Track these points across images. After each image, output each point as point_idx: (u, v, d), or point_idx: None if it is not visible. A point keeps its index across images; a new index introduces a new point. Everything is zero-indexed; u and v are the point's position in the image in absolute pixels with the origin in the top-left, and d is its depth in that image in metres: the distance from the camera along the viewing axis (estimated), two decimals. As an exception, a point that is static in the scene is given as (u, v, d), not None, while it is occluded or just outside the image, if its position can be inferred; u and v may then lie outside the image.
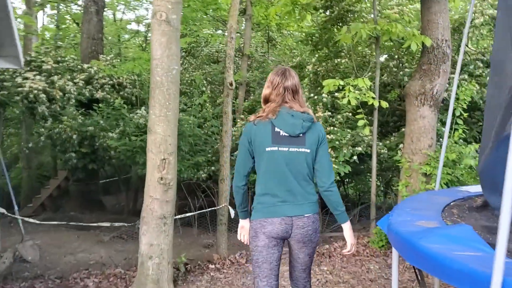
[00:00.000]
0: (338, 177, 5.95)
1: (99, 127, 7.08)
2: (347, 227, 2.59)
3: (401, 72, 6.78)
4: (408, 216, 2.49)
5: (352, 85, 5.40)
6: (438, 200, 3.05)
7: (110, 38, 14.27)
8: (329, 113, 6.23)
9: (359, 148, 6.00)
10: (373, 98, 5.55)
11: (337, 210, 2.53)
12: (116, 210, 10.26)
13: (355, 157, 6.00)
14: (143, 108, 7.00)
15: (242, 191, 2.60)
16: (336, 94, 6.26)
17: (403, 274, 4.57)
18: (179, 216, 4.75)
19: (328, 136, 5.99)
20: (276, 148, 2.44)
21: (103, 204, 10.29)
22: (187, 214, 4.76)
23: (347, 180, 8.28)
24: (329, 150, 5.91)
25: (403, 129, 6.47)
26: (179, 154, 6.39)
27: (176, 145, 3.88)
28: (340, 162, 5.89)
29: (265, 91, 2.59)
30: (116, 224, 4.64)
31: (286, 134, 2.45)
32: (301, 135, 2.46)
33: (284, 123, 2.45)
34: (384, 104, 5.49)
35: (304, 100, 2.71)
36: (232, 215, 4.80)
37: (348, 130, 6.14)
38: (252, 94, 8.98)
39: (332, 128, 6.11)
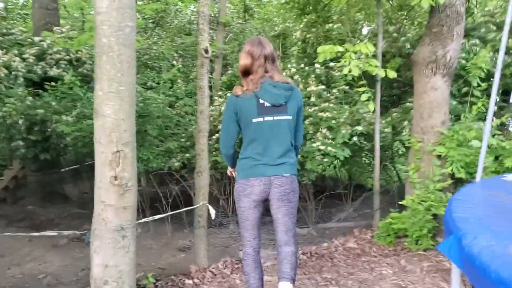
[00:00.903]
0: (335, 162, 5.06)
1: (51, 109, 5.97)
2: None
3: (402, 38, 5.85)
4: (488, 236, 1.60)
5: (353, 52, 4.46)
6: (506, 200, 2.19)
7: (70, 11, 12.92)
8: (323, 87, 5.28)
9: (360, 127, 5.10)
10: (376, 66, 4.63)
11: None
12: (81, 201, 9.19)
13: (355, 138, 5.10)
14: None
15: (232, 156, 2.96)
16: (331, 64, 5.31)
17: None
18: (144, 220, 3.78)
19: (322, 114, 5.07)
20: (261, 119, 2.66)
21: (66, 195, 9.21)
22: (156, 217, 3.79)
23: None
24: (324, 130, 5.00)
25: (407, 104, 5.58)
26: (146, 140, 5.40)
27: (135, 132, 2.89)
28: (338, 145, 4.99)
29: (245, 61, 2.74)
30: (66, 232, 3.65)
31: (269, 105, 2.66)
32: (283, 104, 2.68)
33: (268, 95, 2.65)
34: (391, 74, 4.56)
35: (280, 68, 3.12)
36: (213, 215, 3.86)
37: (346, 107, 5.22)
38: (230, 68, 7.96)
39: (327, 104, 5.17)
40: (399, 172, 7.71)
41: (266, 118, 2.65)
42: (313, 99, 5.18)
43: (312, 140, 5.12)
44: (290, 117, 2.71)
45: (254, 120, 2.65)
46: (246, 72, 2.74)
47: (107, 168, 2.78)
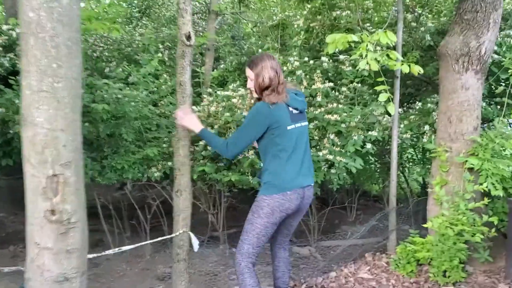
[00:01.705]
0: (346, 175, 4.25)
1: (15, 108, 5.10)
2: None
3: (422, 29, 5.05)
4: None
5: (370, 42, 3.65)
6: None
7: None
8: (331, 84, 4.46)
9: (374, 133, 4.29)
10: (397, 60, 3.82)
11: None
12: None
13: (369, 146, 4.29)
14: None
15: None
16: (341, 57, 4.49)
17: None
18: (110, 252, 2.97)
19: (330, 116, 4.26)
20: (294, 126, 2.78)
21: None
22: (126, 248, 2.98)
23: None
24: (332, 136, 4.20)
25: (429, 105, 4.78)
26: (121, 146, 4.57)
27: (80, 147, 2.07)
28: (349, 153, 4.18)
29: (270, 75, 2.73)
30: (6, 269, 2.83)
31: (297, 112, 2.83)
32: (303, 111, 2.92)
33: (295, 102, 2.82)
34: (416, 70, 3.75)
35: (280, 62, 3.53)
36: (196, 247, 3.06)
37: (358, 108, 4.41)
38: (222, 62, 7.13)
39: (335, 105, 4.36)
40: (410, 183, 6.91)
41: (296, 125, 2.79)
42: (318, 98, 4.37)
43: (317, 147, 4.31)
44: (307, 124, 2.97)
45: (289, 127, 2.75)
46: (267, 87, 2.74)
47: (40, 198, 1.96)
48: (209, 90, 5.46)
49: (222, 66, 6.88)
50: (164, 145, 4.70)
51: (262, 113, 2.70)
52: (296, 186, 2.76)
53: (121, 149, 4.55)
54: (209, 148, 4.31)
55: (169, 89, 5.37)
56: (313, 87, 4.42)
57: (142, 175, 4.55)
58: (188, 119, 2.98)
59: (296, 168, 2.76)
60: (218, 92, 4.61)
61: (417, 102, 5.20)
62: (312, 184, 2.93)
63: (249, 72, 2.80)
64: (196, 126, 2.94)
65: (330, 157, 4.13)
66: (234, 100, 4.30)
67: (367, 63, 3.62)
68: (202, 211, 4.86)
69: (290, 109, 2.76)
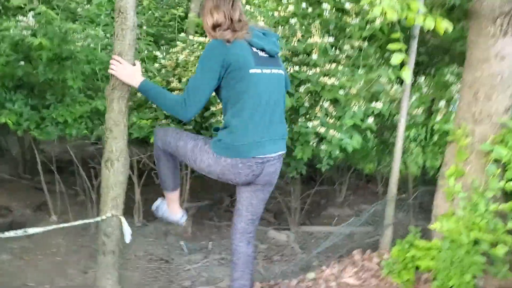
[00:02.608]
0: (339, 154, 3.43)
1: None
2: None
3: (447, -18, 4.10)
4: None
5: (387, -16, 2.75)
6: None
7: None
8: (331, 40, 3.57)
9: (379, 104, 3.45)
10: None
11: None
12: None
13: (370, 120, 3.46)
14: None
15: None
16: (347, 5, 3.58)
17: None
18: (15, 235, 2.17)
19: (326, 79, 3.41)
20: (260, 70, 2.21)
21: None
22: (32, 231, 2.17)
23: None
24: (327, 104, 3.37)
25: (448, 77, 3.92)
26: (66, 95, 3.70)
27: None
28: (344, 127, 3.36)
29: (216, 20, 2.24)
30: None
31: (264, 55, 2.28)
32: (277, 55, 2.36)
33: (262, 41, 2.25)
34: (443, 27, 2.85)
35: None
36: (128, 238, 2.26)
37: (361, 72, 3.54)
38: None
39: (334, 66, 3.49)
40: (408, 165, 6.11)
41: (264, 71, 2.24)
42: (314, 56, 3.49)
43: (307, 116, 3.48)
44: (283, 72, 2.42)
45: (251, 71, 2.19)
46: (218, 25, 2.24)
47: None
48: (194, 38, 4.56)
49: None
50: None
51: (216, 48, 2.16)
52: (259, 153, 2.23)
53: (66, 99, 3.69)
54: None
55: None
56: (309, 41, 3.53)
57: (91, 132, 3.71)
58: (123, 67, 2.21)
59: (261, 128, 2.22)
60: (191, 37, 3.71)
61: (432, 72, 4.35)
62: (284, 152, 2.42)
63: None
64: (134, 77, 2.22)
65: (322, 130, 3.30)
66: (208, 48, 3.41)
67: (383, 11, 2.74)
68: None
69: (254, 49, 2.23)
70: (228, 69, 2.15)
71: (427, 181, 5.16)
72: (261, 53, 2.26)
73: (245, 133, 2.19)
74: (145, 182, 4.23)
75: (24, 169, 5.80)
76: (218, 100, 3.05)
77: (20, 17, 3.51)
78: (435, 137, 4.43)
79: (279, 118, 2.35)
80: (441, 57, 4.70)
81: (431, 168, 5.23)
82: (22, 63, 3.39)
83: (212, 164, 2.24)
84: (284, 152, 2.43)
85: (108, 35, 4.05)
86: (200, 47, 3.63)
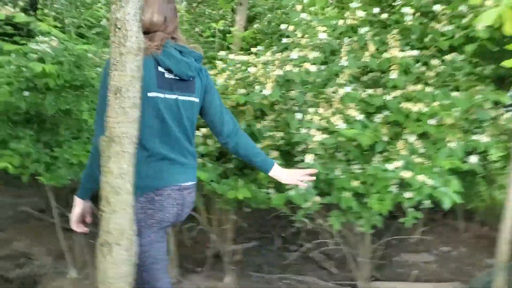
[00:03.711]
0: (429, 202, 2.54)
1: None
2: (278, 168, 2.09)
3: None
4: None
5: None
6: None
7: None
8: (415, 53, 2.70)
9: (484, 138, 2.54)
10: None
11: (257, 151, 2.09)
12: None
13: (474, 159, 2.55)
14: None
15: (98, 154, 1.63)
16: (436, 7, 2.71)
17: None
18: None
19: (410, 105, 2.55)
20: (161, 95, 1.81)
21: None
22: None
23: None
24: (413, 138, 2.51)
25: None
26: (85, 129, 3.05)
27: None
28: (438, 171, 2.48)
29: (153, 19, 1.82)
30: None
31: (172, 77, 1.84)
32: (191, 79, 1.90)
33: (171, 61, 1.82)
34: None
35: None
36: None
37: (461, 95, 2.64)
38: (257, 20, 5.48)
39: (421, 87, 2.62)
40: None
41: (168, 96, 1.83)
42: (393, 75, 2.64)
43: (386, 155, 2.62)
44: (197, 100, 1.96)
45: (150, 94, 1.76)
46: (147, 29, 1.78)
47: None
48: (240, 52, 3.84)
49: (256, 25, 5.24)
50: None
51: (107, 69, 1.66)
52: (168, 183, 1.84)
53: (83, 134, 3.03)
54: (209, 142, 2.74)
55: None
56: (385, 55, 2.68)
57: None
58: None
59: (165, 158, 1.84)
60: (231, 56, 2.96)
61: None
62: (194, 183, 1.98)
63: None
64: None
65: (407, 174, 2.44)
66: (252, 70, 2.65)
67: (498, 16, 1.88)
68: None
69: (160, 69, 1.82)
70: None
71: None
72: (168, 74, 1.83)
73: (147, 164, 1.79)
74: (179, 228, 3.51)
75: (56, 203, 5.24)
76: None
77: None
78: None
79: (187, 148, 1.93)
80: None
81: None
82: (26, 93, 2.75)
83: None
84: (194, 182, 1.99)
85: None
86: (244, 67, 2.88)
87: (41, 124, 3.06)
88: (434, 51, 2.80)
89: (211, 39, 4.33)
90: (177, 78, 1.85)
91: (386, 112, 2.67)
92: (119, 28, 1.37)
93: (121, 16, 1.37)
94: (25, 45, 2.90)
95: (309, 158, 2.50)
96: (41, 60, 2.75)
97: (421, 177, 2.43)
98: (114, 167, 1.44)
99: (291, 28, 2.86)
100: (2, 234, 4.45)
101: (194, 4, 5.75)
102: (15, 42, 3.30)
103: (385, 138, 2.66)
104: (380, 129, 2.65)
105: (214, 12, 5.80)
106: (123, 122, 1.41)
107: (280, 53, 2.88)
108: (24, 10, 5.26)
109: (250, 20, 5.78)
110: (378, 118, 2.70)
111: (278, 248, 4.79)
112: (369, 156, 2.74)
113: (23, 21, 2.85)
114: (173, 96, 1.84)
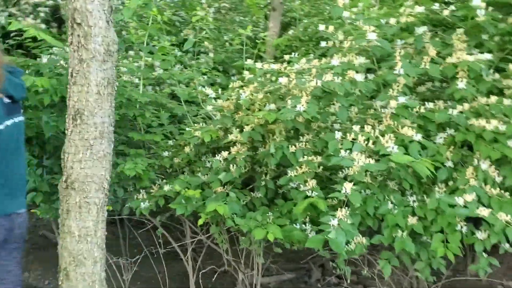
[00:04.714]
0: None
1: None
2: None
3: None
4: None
5: None
6: None
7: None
8: (488, 56, 2.15)
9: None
10: None
11: None
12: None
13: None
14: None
15: None
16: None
17: None
18: None
19: (482, 122, 2.01)
20: (6, 124, 1.80)
21: None
22: None
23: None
24: (485, 165, 1.97)
25: None
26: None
27: None
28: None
29: None
30: None
31: (9, 102, 1.84)
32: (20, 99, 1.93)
33: (11, 86, 1.82)
34: None
35: None
36: None
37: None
38: (293, 27, 5.11)
39: (496, 99, 2.08)
40: None
41: (8, 123, 1.82)
42: (460, 84, 2.11)
43: (452, 185, 2.09)
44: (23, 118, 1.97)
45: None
46: None
47: None
48: (271, 61, 3.40)
49: (291, 32, 4.83)
50: (166, 154, 2.70)
51: None
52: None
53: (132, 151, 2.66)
54: (232, 168, 2.28)
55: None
56: (449, 60, 2.15)
57: (122, 205, 2.62)
58: None
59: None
60: (258, 65, 2.50)
61: None
62: (24, 211, 1.83)
63: None
64: None
65: (485, 212, 1.89)
66: (283, 80, 2.17)
67: None
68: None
69: (2, 97, 1.79)
70: None
71: None
72: (7, 100, 1.83)
73: None
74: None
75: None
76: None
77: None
78: None
79: (19, 171, 1.86)
80: None
81: None
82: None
83: None
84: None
85: (147, 61, 2.96)
86: (274, 77, 2.41)
87: (43, 147, 2.69)
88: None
89: (240, 47, 3.91)
90: (13, 101, 1.82)
91: (451, 131, 2.14)
92: (79, 24, 0.93)
93: (81, 6, 0.93)
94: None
95: (348, 187, 1.99)
96: (39, 73, 2.38)
97: (503, 216, 1.89)
98: (74, 227, 0.99)
99: (330, 28, 2.37)
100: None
101: (223, 11, 5.35)
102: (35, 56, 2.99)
103: (450, 164, 2.12)
104: (443, 152, 2.13)
105: (246, 19, 5.40)
106: (86, 161, 0.96)
107: (318, 60, 2.39)
108: (46, 22, 5.00)
109: (285, 27, 5.35)
110: (440, 138, 2.18)
111: (317, 280, 4.27)
112: (429, 185, 2.21)
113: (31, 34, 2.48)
114: (10, 122, 1.80)
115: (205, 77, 3.62)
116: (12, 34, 3.32)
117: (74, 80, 1.00)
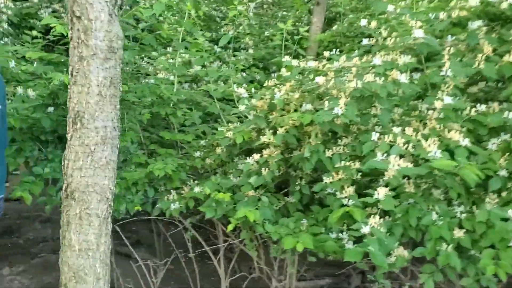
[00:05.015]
0: None
1: None
2: None
3: None
4: None
5: None
6: None
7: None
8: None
9: None
10: None
11: None
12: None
13: None
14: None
15: None
16: None
17: None
18: None
19: None
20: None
21: None
22: None
23: None
24: None
25: None
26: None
27: None
28: None
29: None
30: None
31: None
32: None
33: None
34: None
35: None
36: None
37: None
38: (337, 22, 4.87)
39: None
40: None
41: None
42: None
43: (504, 195, 1.89)
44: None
45: None
46: None
47: None
48: (311, 57, 3.26)
49: (335, 27, 4.63)
50: (198, 154, 2.62)
51: None
52: None
53: (130, 158, 2.59)
54: (264, 171, 2.16)
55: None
56: (507, 58, 1.94)
57: (152, 206, 2.55)
58: None
59: None
60: (295, 63, 2.35)
61: None
62: (2, 196, 1.74)
63: None
64: None
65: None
66: (321, 79, 2.03)
67: None
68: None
69: None
70: None
71: None
72: None
73: None
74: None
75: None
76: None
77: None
78: None
79: None
80: None
81: None
82: (51, 109, 2.34)
83: None
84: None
85: (182, 56, 2.88)
86: (312, 75, 2.26)
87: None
88: None
89: (280, 43, 3.77)
90: None
91: (506, 136, 1.93)
92: (78, 17, 0.84)
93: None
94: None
95: (381, 192, 1.83)
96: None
97: None
98: (75, 240, 0.91)
99: (373, 24, 2.19)
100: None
101: (265, 6, 5.21)
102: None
103: (504, 172, 1.91)
104: (496, 159, 1.92)
105: (289, 14, 5.23)
106: (86, 169, 0.87)
107: (359, 58, 2.22)
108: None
109: (329, 22, 5.15)
110: (493, 143, 1.97)
111: (357, 287, 4.08)
112: (479, 196, 2.01)
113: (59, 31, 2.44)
114: None
115: (243, 74, 3.52)
116: (52, 30, 3.34)
117: (74, 80, 0.91)
